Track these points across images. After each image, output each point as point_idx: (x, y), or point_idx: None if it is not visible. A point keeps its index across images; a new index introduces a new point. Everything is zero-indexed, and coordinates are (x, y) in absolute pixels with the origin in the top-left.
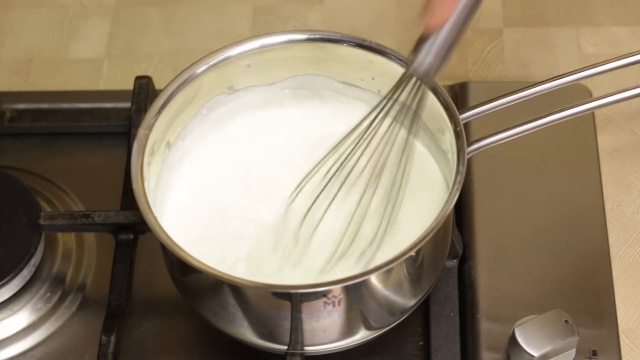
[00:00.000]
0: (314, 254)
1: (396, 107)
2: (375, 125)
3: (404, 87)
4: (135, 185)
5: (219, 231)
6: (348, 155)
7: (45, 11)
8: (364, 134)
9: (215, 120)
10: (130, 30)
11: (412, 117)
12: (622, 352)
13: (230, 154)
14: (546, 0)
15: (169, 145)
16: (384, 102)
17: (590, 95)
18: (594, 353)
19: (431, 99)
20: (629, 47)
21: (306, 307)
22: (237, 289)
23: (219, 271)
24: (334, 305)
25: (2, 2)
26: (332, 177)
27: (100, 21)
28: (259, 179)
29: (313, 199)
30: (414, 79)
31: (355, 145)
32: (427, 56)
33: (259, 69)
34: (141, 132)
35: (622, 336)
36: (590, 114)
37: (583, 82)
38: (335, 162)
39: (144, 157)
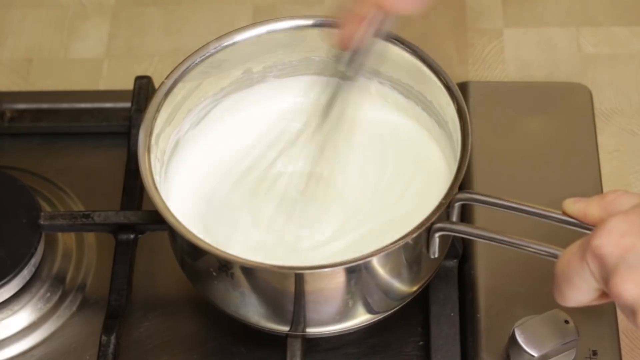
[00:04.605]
0: (314, 237)
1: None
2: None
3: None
4: (141, 151)
5: (219, 217)
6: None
7: (45, 11)
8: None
9: (229, 101)
10: (130, 30)
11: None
12: (622, 352)
13: (238, 139)
14: (546, 0)
15: (189, 110)
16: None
17: (590, 96)
18: (594, 353)
19: (451, 109)
20: (629, 47)
21: (309, 288)
22: (247, 271)
23: (228, 253)
24: (336, 286)
25: (2, 2)
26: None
27: (100, 21)
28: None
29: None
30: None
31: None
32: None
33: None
34: (162, 88)
35: (622, 336)
36: (591, 114)
37: (583, 81)
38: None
39: (156, 120)
